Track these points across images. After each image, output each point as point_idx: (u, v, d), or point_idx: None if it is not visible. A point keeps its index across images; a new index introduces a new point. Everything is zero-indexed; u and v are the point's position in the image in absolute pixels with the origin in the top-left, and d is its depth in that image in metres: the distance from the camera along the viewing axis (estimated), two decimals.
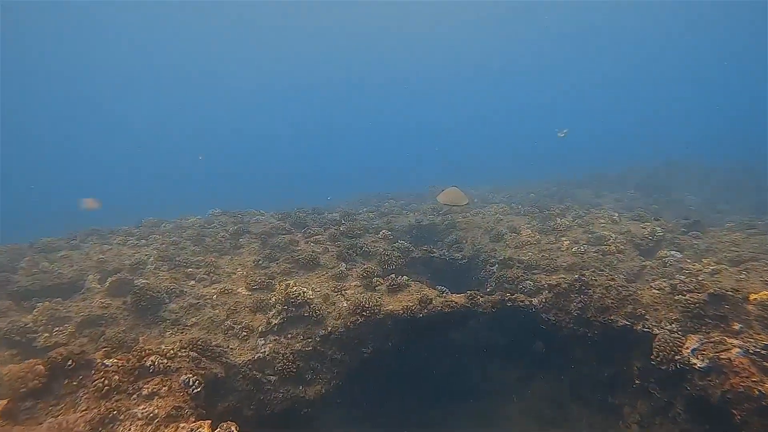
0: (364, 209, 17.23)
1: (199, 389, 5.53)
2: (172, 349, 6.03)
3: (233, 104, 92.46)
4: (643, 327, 6.50)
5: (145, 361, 5.50)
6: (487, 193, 20.75)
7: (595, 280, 7.41)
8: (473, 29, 67.44)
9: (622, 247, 10.24)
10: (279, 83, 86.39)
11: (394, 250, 10.99)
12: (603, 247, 10.27)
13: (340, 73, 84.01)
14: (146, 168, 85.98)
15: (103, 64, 67.45)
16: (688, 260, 9.54)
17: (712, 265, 9.04)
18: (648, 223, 11.41)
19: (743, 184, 21.60)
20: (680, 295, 6.61)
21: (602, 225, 11.58)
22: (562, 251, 10.33)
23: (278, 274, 9.63)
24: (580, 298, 7.27)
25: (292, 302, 8.02)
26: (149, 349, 5.72)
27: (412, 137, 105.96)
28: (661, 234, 10.45)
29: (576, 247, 10.27)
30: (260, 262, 10.05)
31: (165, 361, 5.62)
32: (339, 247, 10.92)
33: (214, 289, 9.05)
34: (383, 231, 12.05)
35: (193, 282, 9.27)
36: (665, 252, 9.97)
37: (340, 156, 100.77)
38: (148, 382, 5.23)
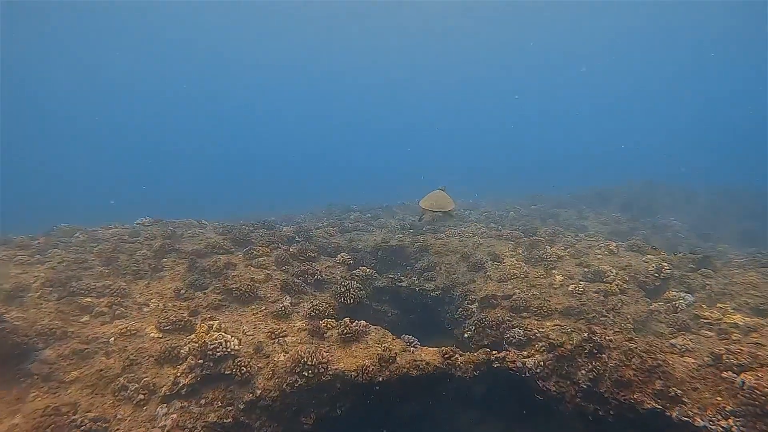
0: (325, 223, 15.23)
1: None
2: None
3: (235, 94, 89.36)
4: (681, 415, 4.76)
5: None
6: (461, 209, 19.07)
7: (610, 341, 5.66)
8: (460, 40, 66.69)
9: (624, 285, 8.60)
10: (269, 76, 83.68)
11: (353, 279, 9.06)
12: (603, 285, 8.61)
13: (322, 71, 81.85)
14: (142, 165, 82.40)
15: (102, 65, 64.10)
16: (704, 305, 7.99)
17: (731, 313, 7.52)
18: (650, 256, 9.85)
19: (724, 209, 20.70)
20: (730, 372, 4.92)
21: (598, 257, 9.95)
22: (556, 289, 8.61)
23: (204, 308, 7.55)
24: (591, 365, 5.50)
25: (210, 354, 5.99)
26: None
27: (383, 145, 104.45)
28: (669, 271, 8.87)
29: (572, 285, 8.57)
30: (183, 291, 7.92)
31: None
32: (286, 272, 8.92)
33: (114, 327, 6.89)
34: (342, 254, 10.10)
35: (87, 317, 7.09)
36: (674, 293, 8.39)
37: (311, 160, 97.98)
38: None
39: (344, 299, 8.40)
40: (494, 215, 17.12)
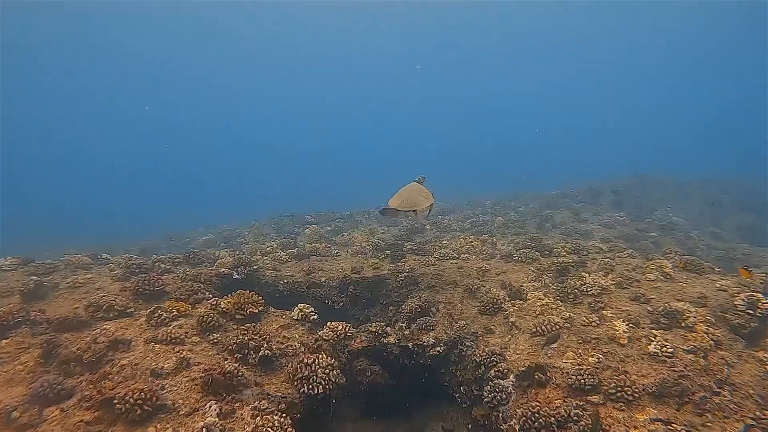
0: (274, 243, 11.93)
1: None
2: None
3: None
4: None
5: None
6: (438, 214, 16.25)
7: None
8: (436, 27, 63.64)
9: (715, 332, 5.94)
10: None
11: (319, 349, 5.95)
12: (686, 334, 5.93)
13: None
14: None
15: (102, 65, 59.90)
16: None
17: None
18: (721, 279, 7.32)
19: (720, 202, 19.06)
20: None
21: (655, 285, 7.31)
22: (624, 346, 5.82)
23: None
24: None
25: None
26: None
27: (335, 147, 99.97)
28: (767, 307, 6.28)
29: (647, 338, 5.83)
30: (18, 408, 4.50)
31: None
32: (215, 347, 5.68)
33: None
34: (300, 306, 6.87)
35: None
36: None
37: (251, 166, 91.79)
38: None
39: (309, 388, 5.28)
40: (478, 221, 14.37)
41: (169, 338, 5.65)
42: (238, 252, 11.18)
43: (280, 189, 59.80)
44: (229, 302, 6.44)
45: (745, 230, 16.34)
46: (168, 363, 5.17)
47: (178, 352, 5.42)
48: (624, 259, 8.72)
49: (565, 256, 8.79)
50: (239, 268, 8.69)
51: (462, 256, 9.65)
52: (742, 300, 6.43)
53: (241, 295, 6.53)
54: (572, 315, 6.56)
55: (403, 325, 7.60)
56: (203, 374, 4.93)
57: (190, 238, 18.56)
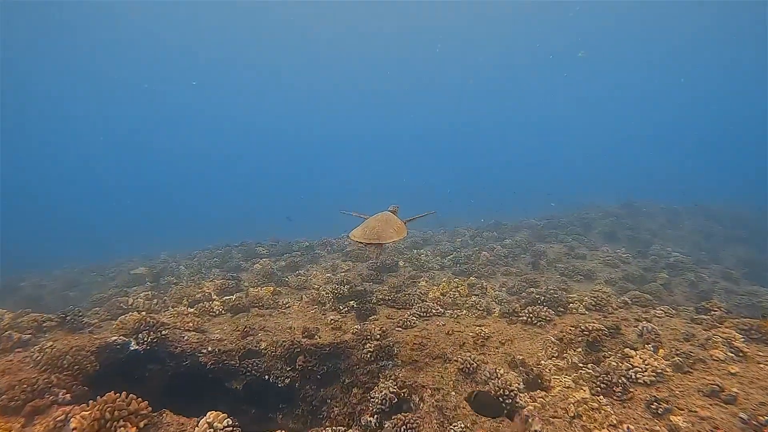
0: (211, 285, 9.34)
1: None
2: None
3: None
4: None
5: None
6: (410, 246, 13.98)
7: None
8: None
9: None
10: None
11: None
12: None
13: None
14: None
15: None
16: None
17: None
18: None
19: (714, 234, 17.65)
20: None
21: (731, 370, 5.19)
22: None
23: None
24: None
25: None
26: None
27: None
28: None
29: None
30: None
31: None
32: None
33: None
34: (211, 417, 4.28)
35: None
36: None
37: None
38: None
39: None
40: (461, 256, 12.16)
41: None
42: (156, 300, 8.59)
43: (240, 212, 56.62)
44: (84, 417, 3.87)
45: (747, 266, 14.80)
46: None
47: None
48: (662, 319, 6.63)
49: (586, 315, 6.65)
50: (141, 334, 6.11)
51: (448, 312, 7.38)
52: None
53: (108, 403, 3.97)
54: (627, 423, 4.33)
55: (373, 420, 5.25)
56: None
57: (119, 270, 15.62)
